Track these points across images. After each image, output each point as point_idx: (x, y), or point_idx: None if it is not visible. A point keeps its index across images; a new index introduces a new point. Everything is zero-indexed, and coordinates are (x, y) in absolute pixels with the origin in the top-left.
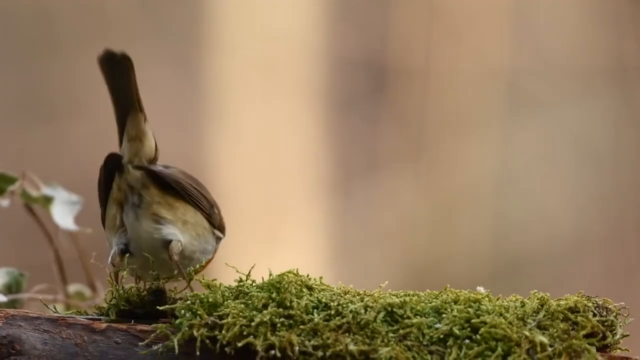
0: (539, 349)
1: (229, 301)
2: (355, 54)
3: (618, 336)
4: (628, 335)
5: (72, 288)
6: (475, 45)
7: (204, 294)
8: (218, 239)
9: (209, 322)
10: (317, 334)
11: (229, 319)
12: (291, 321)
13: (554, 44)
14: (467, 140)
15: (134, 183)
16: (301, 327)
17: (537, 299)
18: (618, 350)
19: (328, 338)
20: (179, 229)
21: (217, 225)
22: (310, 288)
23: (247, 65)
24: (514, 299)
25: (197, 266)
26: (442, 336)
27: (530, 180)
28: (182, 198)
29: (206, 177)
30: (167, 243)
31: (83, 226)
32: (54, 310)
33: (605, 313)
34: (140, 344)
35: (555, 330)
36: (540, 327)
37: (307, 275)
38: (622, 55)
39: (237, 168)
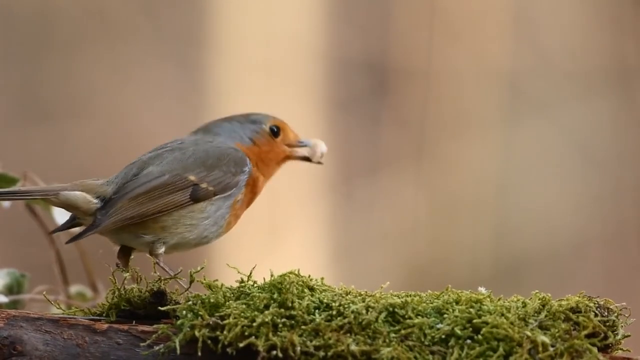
0: (540, 349)
1: (230, 302)
2: (356, 55)
3: (619, 336)
4: (629, 335)
5: (74, 289)
6: (476, 46)
7: (205, 295)
8: (227, 197)
9: (211, 322)
10: (318, 334)
11: (231, 320)
12: (293, 321)
13: (555, 45)
14: (468, 141)
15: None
16: (303, 327)
17: (539, 300)
18: (619, 351)
19: (330, 338)
20: (160, 235)
21: (207, 196)
22: (311, 289)
23: (247, 66)
24: (515, 299)
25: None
26: (443, 336)
27: (531, 181)
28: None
29: None
30: (149, 244)
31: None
32: (58, 307)
33: (606, 313)
34: (141, 344)
35: (556, 330)
36: (542, 327)
37: (309, 276)
38: (622, 56)
39: None
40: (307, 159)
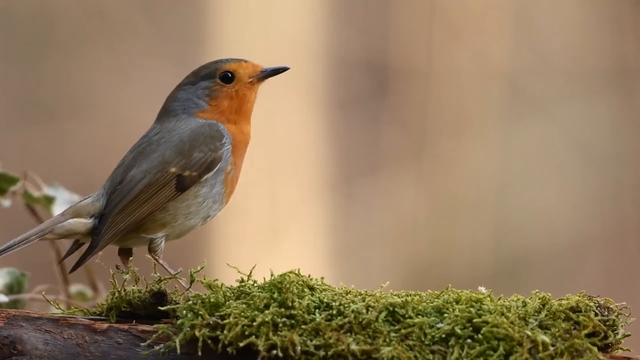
0: (540, 348)
1: (230, 301)
2: (356, 55)
3: (619, 336)
4: (629, 335)
5: (74, 288)
6: (476, 46)
7: (205, 295)
8: (216, 173)
9: (211, 322)
10: (318, 333)
11: (231, 319)
12: (293, 321)
13: (555, 45)
14: (468, 141)
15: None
16: (303, 327)
17: (539, 299)
18: (619, 350)
19: (330, 338)
20: (163, 231)
21: (192, 182)
22: (311, 288)
23: None
24: (515, 298)
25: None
26: (444, 336)
27: (531, 180)
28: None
29: None
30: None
31: None
32: (57, 307)
33: (606, 312)
34: (142, 344)
35: (557, 329)
36: (542, 326)
37: (309, 276)
38: (622, 56)
39: None
40: (276, 72)
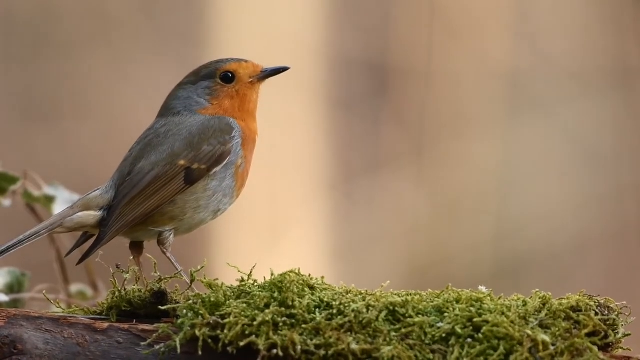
0: (541, 347)
1: (230, 301)
2: (356, 55)
3: (620, 335)
4: (630, 334)
5: (74, 288)
6: (477, 45)
7: (206, 294)
8: (226, 167)
9: (211, 321)
10: (319, 333)
11: (231, 319)
12: (293, 320)
13: (555, 45)
14: (468, 140)
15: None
16: (303, 326)
17: (539, 298)
18: (620, 349)
19: (330, 337)
20: (171, 225)
21: (201, 175)
22: (312, 287)
23: None
24: (515, 298)
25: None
26: (444, 335)
27: (532, 180)
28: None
29: None
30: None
31: None
32: (58, 306)
33: (607, 312)
34: (142, 343)
35: (557, 329)
36: (542, 326)
37: (309, 275)
38: (623, 55)
39: None
40: (276, 72)
